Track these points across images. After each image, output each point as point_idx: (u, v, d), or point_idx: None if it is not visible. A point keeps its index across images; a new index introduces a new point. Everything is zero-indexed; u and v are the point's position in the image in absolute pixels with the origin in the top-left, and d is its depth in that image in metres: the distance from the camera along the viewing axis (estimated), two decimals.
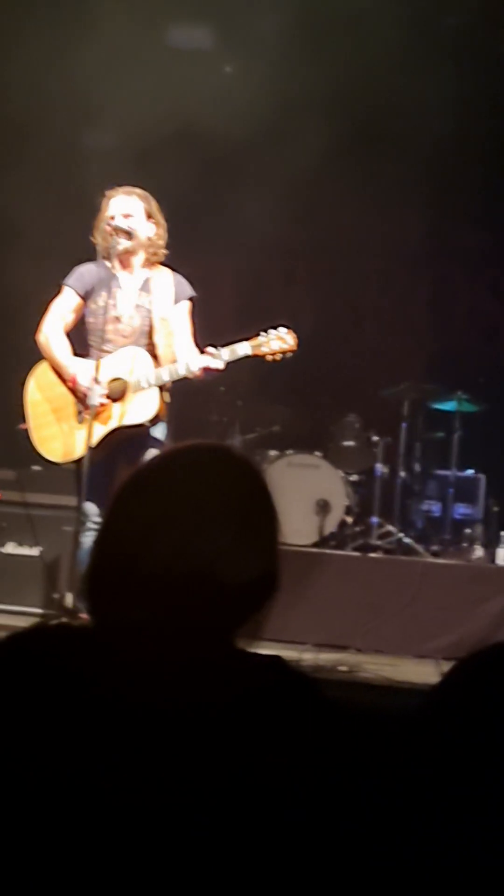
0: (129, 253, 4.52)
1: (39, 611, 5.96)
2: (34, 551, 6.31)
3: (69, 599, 4.52)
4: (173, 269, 4.61)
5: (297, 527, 6.11)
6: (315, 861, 1.22)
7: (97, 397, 4.36)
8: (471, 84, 6.55)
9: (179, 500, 1.34)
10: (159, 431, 4.53)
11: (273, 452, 6.61)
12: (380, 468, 6.57)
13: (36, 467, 6.63)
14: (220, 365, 4.30)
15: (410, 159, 6.83)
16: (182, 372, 4.36)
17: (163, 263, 4.62)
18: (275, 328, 4.38)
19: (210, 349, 4.34)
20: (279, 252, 7.46)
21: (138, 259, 4.56)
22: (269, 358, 4.35)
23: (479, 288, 7.61)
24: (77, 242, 4.69)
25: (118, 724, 1.23)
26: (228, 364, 4.37)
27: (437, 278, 7.73)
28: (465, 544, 6.32)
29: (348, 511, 6.32)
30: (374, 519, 6.36)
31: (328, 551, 6.06)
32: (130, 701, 1.25)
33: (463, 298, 7.68)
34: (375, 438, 6.64)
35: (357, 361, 7.33)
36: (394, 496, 6.60)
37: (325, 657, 4.45)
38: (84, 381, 4.42)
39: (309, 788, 1.24)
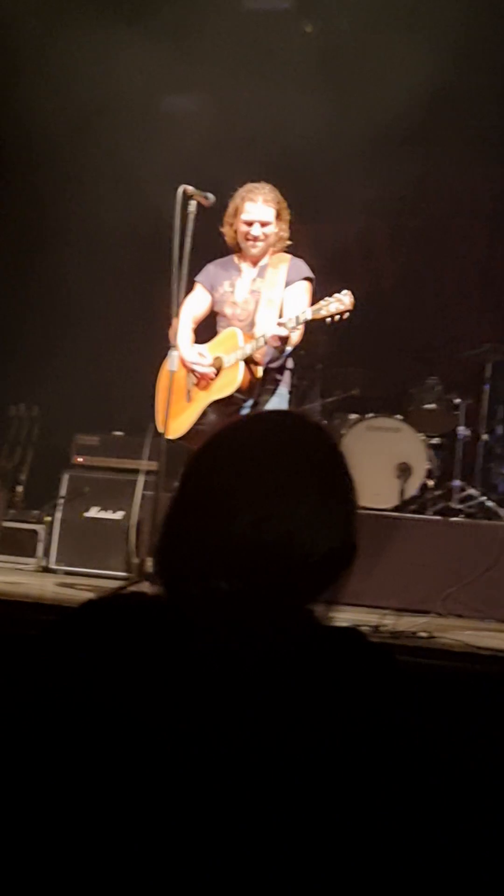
0: (259, 254, 4.81)
1: (122, 574, 6.05)
2: (116, 515, 6.40)
3: (149, 564, 4.56)
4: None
5: (378, 490, 6.07)
6: (392, 830, 1.22)
7: (201, 367, 4.74)
8: None
9: (254, 468, 1.33)
10: (270, 404, 4.72)
11: (353, 416, 6.57)
12: (462, 431, 6.48)
13: (118, 433, 6.73)
14: (285, 332, 4.46)
15: (489, 115, 6.66)
16: (261, 343, 4.57)
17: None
18: (338, 292, 4.50)
19: (282, 320, 4.52)
20: (357, 213, 7.37)
21: (264, 252, 4.82)
22: (329, 320, 4.48)
23: None
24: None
25: (192, 694, 1.24)
26: (306, 330, 4.60)
27: None
28: None
29: (429, 474, 6.26)
30: (456, 482, 6.28)
31: (408, 515, 6.02)
32: (204, 671, 1.25)
33: None
34: (457, 401, 6.55)
35: (438, 323, 7.21)
36: (475, 459, 6.51)
37: (405, 622, 4.43)
38: (188, 356, 4.76)
39: (385, 759, 1.23)
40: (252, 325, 4.73)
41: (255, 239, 4.74)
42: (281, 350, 4.63)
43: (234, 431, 1.43)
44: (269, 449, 1.36)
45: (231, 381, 4.66)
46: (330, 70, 6.45)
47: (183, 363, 4.79)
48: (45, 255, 7.04)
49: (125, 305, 6.82)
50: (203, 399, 4.81)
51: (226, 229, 4.83)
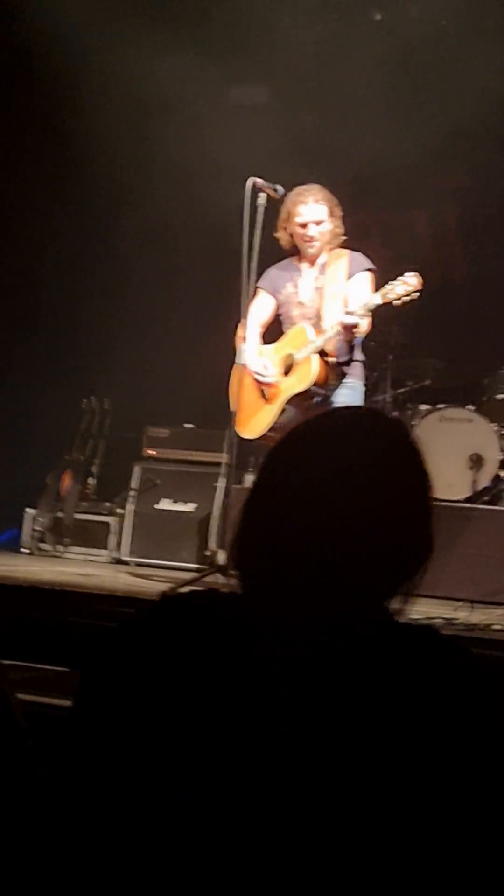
0: (317, 252, 4.86)
1: (193, 566, 6.08)
2: (188, 507, 6.43)
3: (221, 556, 4.58)
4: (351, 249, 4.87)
5: (450, 482, 6.01)
6: (472, 825, 1.20)
7: (257, 370, 4.85)
8: None
9: (331, 465, 1.33)
10: (343, 397, 4.75)
11: (425, 407, 6.51)
12: None
13: (188, 425, 6.76)
14: (354, 320, 4.49)
15: None
16: (330, 333, 4.61)
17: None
18: (403, 274, 4.51)
19: (349, 309, 4.54)
20: (428, 202, 7.30)
21: (321, 250, 4.87)
22: (397, 303, 4.48)
23: None
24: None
25: (268, 690, 1.24)
26: (377, 321, 4.64)
27: None
28: None
29: (502, 465, 6.18)
30: None
31: (481, 506, 5.94)
32: (280, 667, 1.25)
33: None
34: None
35: None
36: None
37: (479, 615, 4.38)
38: (252, 366, 4.86)
39: (463, 754, 1.22)
40: (320, 320, 4.78)
41: (312, 239, 4.79)
42: (350, 339, 4.65)
43: (309, 428, 1.42)
44: (345, 445, 1.35)
45: (306, 375, 4.72)
46: (400, 57, 6.39)
47: (247, 370, 4.88)
48: (116, 248, 7.09)
49: (195, 298, 6.84)
50: (280, 396, 4.87)
51: (280, 234, 4.90)
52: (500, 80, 6.16)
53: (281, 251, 4.96)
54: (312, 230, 4.78)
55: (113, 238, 7.07)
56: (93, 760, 1.28)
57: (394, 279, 4.50)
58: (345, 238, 4.87)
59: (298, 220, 4.80)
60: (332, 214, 4.81)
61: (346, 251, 4.86)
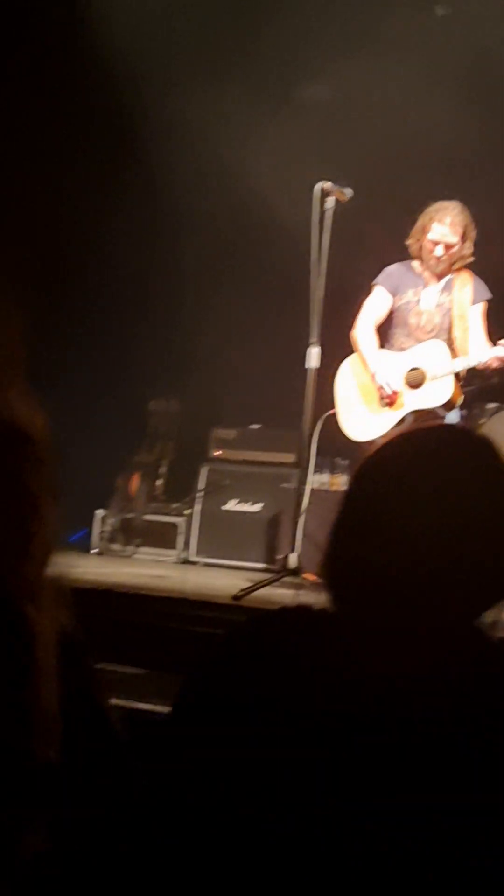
0: (443, 271, 4.92)
1: (262, 566, 6.10)
2: (255, 508, 6.46)
3: (293, 560, 4.59)
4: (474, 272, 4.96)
5: None
6: None
7: (392, 387, 4.88)
8: None
9: (424, 481, 1.34)
10: (454, 417, 4.94)
11: (491, 405, 6.44)
12: None
13: (254, 426, 6.78)
14: None
15: None
16: (474, 362, 4.74)
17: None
18: None
19: (501, 341, 4.67)
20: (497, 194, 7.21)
21: (447, 269, 4.94)
22: None
23: None
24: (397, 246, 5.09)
25: (363, 708, 1.25)
26: None
27: None
28: None
29: None
30: None
31: None
32: (374, 685, 1.26)
33: None
34: None
35: None
36: None
37: None
38: (380, 379, 4.91)
39: None
40: (448, 339, 4.87)
41: (439, 260, 4.85)
42: (493, 372, 4.79)
43: (402, 444, 1.43)
44: (438, 462, 1.36)
45: (441, 395, 4.82)
46: (462, 53, 6.32)
47: (373, 378, 4.95)
48: (184, 250, 7.12)
49: (264, 300, 6.85)
50: (403, 406, 4.93)
51: (411, 242, 4.95)
52: None
53: (347, 254, 4.95)
54: (440, 251, 4.83)
55: (181, 239, 7.10)
56: (193, 773, 1.30)
57: None
58: (472, 260, 4.91)
59: (430, 236, 4.85)
60: (464, 238, 4.84)
61: (470, 274, 4.92)
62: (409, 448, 1.41)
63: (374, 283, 5.01)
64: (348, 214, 4.87)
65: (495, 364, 4.68)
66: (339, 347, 5.20)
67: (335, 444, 5.35)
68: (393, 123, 6.20)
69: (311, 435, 4.89)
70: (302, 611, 1.41)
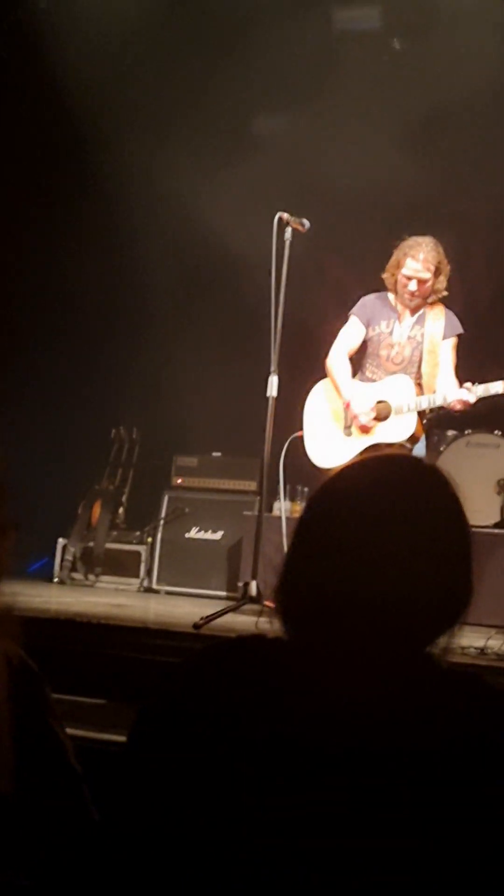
0: (414, 305, 4.98)
1: (223, 593, 6.11)
2: (216, 535, 6.47)
3: (254, 587, 4.60)
4: (447, 306, 5.03)
5: (478, 507, 6.01)
6: None
7: (364, 419, 4.93)
8: None
9: (375, 513, 1.35)
10: (420, 449, 5.00)
11: (451, 432, 6.52)
12: None
13: (216, 454, 6.80)
14: (472, 399, 4.70)
15: None
16: (439, 402, 4.80)
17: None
18: None
19: (467, 384, 4.74)
20: (452, 228, 7.32)
21: (421, 303, 5.00)
22: None
23: None
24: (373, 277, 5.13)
25: (314, 737, 1.26)
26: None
27: None
28: None
29: None
30: None
31: None
32: (326, 714, 1.28)
33: None
34: None
35: None
36: None
37: None
38: (356, 408, 4.96)
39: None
40: (415, 374, 4.93)
41: (413, 294, 4.90)
42: (459, 413, 4.83)
43: (353, 474, 1.45)
44: (389, 492, 1.38)
45: (406, 428, 4.87)
46: (419, 84, 6.44)
47: (347, 406, 5.00)
48: (145, 280, 7.16)
49: (224, 329, 6.90)
50: (367, 438, 4.97)
51: (386, 276, 4.99)
52: None
53: (303, 284, 5.00)
54: (413, 286, 4.88)
55: (144, 271, 7.13)
56: (151, 802, 1.31)
57: None
58: (445, 294, 4.97)
59: (404, 271, 4.89)
60: (437, 273, 4.90)
61: (443, 308, 4.99)
62: (363, 477, 1.43)
63: (350, 312, 5.08)
64: (307, 245, 4.93)
65: (458, 406, 4.75)
66: (298, 376, 5.25)
67: (298, 472, 5.38)
68: (348, 156, 6.29)
69: (270, 462, 4.88)
70: (257, 639, 1.42)
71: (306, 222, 4.88)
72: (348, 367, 5.07)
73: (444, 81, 6.23)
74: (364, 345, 5.08)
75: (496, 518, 6.03)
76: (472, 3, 6.26)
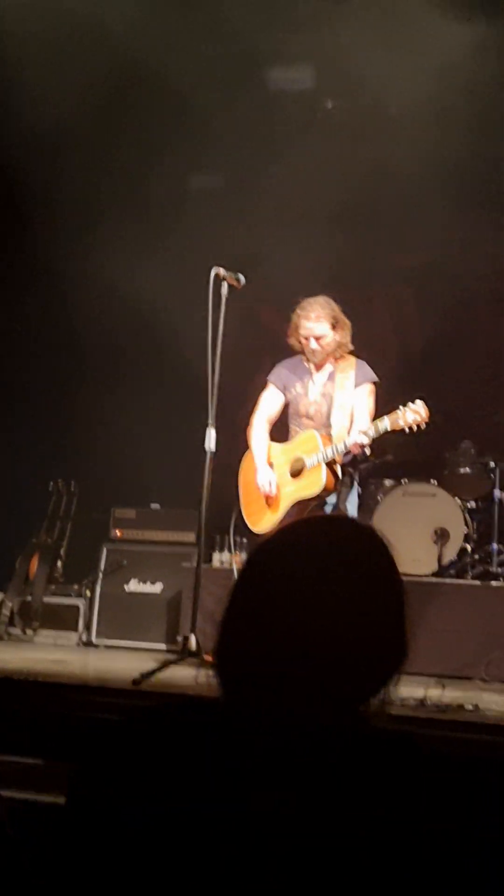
0: (323, 360, 5.16)
1: (163, 646, 6.06)
2: (156, 588, 6.44)
3: (193, 641, 4.59)
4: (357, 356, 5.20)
5: (416, 556, 6.08)
6: None
7: (267, 490, 5.12)
8: None
9: (310, 573, 1.37)
10: (350, 501, 5.10)
11: (388, 482, 6.59)
12: (497, 493, 6.48)
13: (155, 505, 6.79)
14: (365, 440, 4.87)
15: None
16: (341, 448, 4.94)
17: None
18: (412, 402, 4.86)
19: (362, 428, 4.91)
20: (386, 280, 7.46)
21: (328, 358, 5.18)
22: (407, 430, 4.84)
23: None
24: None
25: (248, 798, 1.27)
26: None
27: None
28: None
29: (467, 539, 6.25)
30: (494, 546, 6.28)
31: (448, 580, 6.00)
32: (259, 775, 1.29)
33: None
34: (492, 464, 6.55)
35: (470, 386, 7.24)
36: None
37: (451, 693, 4.41)
38: (261, 479, 5.15)
39: (437, 867, 1.25)
40: (327, 426, 5.08)
41: (314, 352, 5.08)
42: (362, 455, 5.03)
43: (288, 536, 1.47)
44: (323, 553, 1.40)
45: (316, 483, 4.99)
46: (352, 142, 6.59)
47: (255, 475, 5.16)
48: (82, 333, 7.17)
49: (162, 382, 6.93)
50: (287, 498, 5.09)
51: (292, 341, 5.17)
52: (448, 158, 6.38)
53: (238, 337, 5.09)
54: (313, 344, 5.07)
55: (81, 324, 7.15)
56: (90, 859, 1.31)
57: (403, 404, 4.84)
58: (351, 348, 5.14)
59: (302, 332, 5.09)
60: (335, 328, 5.09)
61: (353, 360, 5.16)
62: (297, 538, 1.45)
63: (267, 378, 5.27)
64: (243, 300, 5.00)
65: (356, 450, 4.93)
66: (236, 429, 5.29)
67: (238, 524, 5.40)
68: (284, 209, 6.40)
69: (208, 514, 4.93)
70: (192, 702, 1.43)
71: (242, 277, 4.97)
72: (265, 435, 5.26)
73: (375, 141, 6.39)
74: (285, 408, 5.28)
75: (434, 567, 6.10)
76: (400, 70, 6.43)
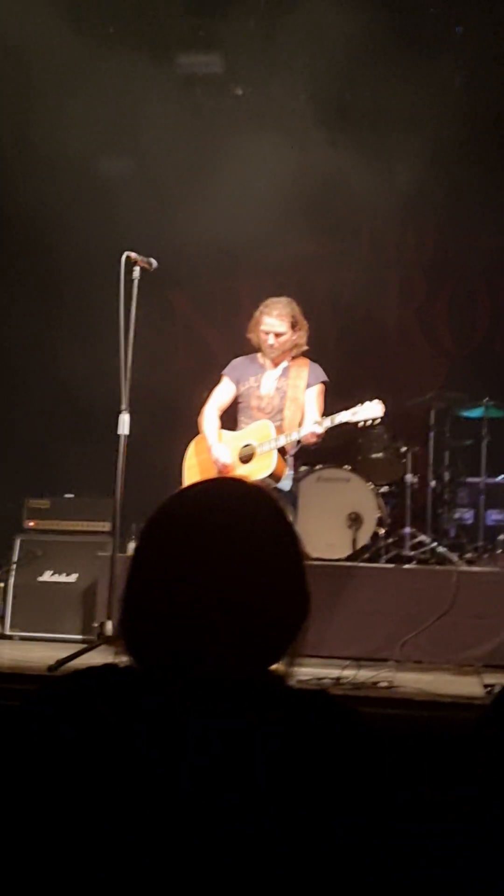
0: (278, 357, 5.41)
1: (79, 637, 6.01)
2: (71, 578, 6.38)
3: (109, 627, 4.56)
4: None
5: (330, 541, 6.12)
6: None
7: (224, 459, 5.30)
8: None
9: (204, 532, 1.37)
10: (285, 484, 5.30)
11: (303, 468, 6.62)
12: (410, 478, 6.58)
13: (69, 495, 6.72)
14: (320, 430, 5.11)
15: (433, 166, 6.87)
16: (294, 437, 5.20)
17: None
18: (370, 401, 5.12)
19: (317, 419, 5.20)
20: (297, 268, 7.50)
21: (283, 356, 5.43)
22: (361, 425, 5.15)
23: (500, 291, 7.60)
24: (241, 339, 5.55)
25: (165, 764, 1.26)
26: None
27: (456, 284, 7.74)
28: (499, 550, 6.29)
29: (380, 523, 6.32)
30: (407, 529, 6.36)
31: (362, 564, 6.06)
32: (174, 739, 1.28)
33: (484, 303, 7.68)
34: (404, 449, 6.63)
35: (382, 372, 7.32)
36: (425, 506, 6.60)
37: (366, 673, 4.46)
38: (215, 452, 5.35)
39: (355, 822, 1.26)
40: (280, 418, 5.31)
41: (272, 347, 5.34)
42: (315, 445, 5.27)
43: (180, 500, 1.45)
44: (216, 514, 1.39)
45: (265, 467, 5.20)
46: (261, 130, 6.61)
47: (209, 452, 5.35)
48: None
49: (73, 368, 6.86)
50: None
51: (251, 336, 5.43)
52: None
53: (138, 323, 5.08)
54: (272, 340, 5.31)
55: None
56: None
57: (361, 402, 5.10)
58: (306, 348, 5.39)
59: (263, 328, 5.34)
60: (293, 328, 5.34)
61: (307, 361, 5.41)
62: (190, 501, 1.44)
63: (222, 372, 5.50)
64: (155, 283, 4.98)
65: (312, 439, 5.16)
66: (147, 414, 5.28)
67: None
68: (198, 194, 6.39)
69: (123, 501, 4.90)
70: (104, 670, 1.41)
71: (154, 261, 4.96)
72: (216, 422, 5.44)
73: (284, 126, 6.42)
74: (237, 401, 5.47)
75: (348, 551, 6.15)
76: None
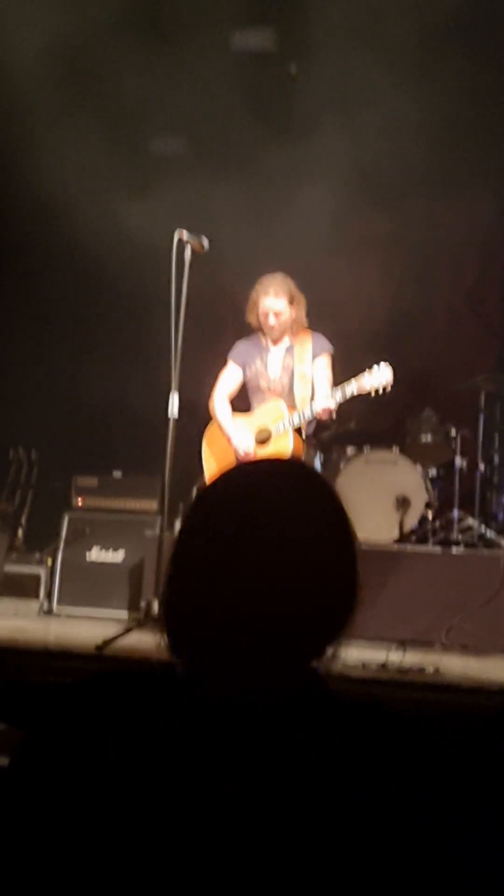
0: (280, 336, 5.35)
1: (125, 614, 6.06)
2: (118, 556, 6.42)
3: (156, 606, 4.58)
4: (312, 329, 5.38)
5: (378, 524, 6.10)
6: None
7: (245, 448, 5.26)
8: None
9: (253, 519, 1.31)
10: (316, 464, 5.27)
11: (350, 449, 6.60)
12: (459, 461, 6.52)
13: (117, 473, 6.75)
14: (332, 405, 5.06)
15: (483, 145, 6.77)
16: (308, 415, 5.14)
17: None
18: (377, 364, 5.07)
19: (330, 392, 5.12)
20: (349, 247, 7.44)
21: (285, 333, 5.37)
22: (373, 393, 5.07)
23: None
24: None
25: (204, 765, 1.23)
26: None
27: None
28: None
29: (428, 506, 6.29)
30: (455, 513, 6.32)
31: (409, 547, 6.04)
32: (215, 742, 1.24)
33: None
34: (453, 432, 6.59)
35: (432, 354, 7.25)
36: (474, 489, 6.54)
37: (411, 657, 4.45)
38: (236, 442, 5.30)
39: (395, 825, 1.23)
40: (290, 396, 5.27)
41: (272, 327, 5.29)
42: (329, 420, 5.24)
43: (224, 483, 1.39)
44: (266, 498, 1.33)
45: (283, 449, 5.16)
46: (316, 109, 6.55)
47: (229, 441, 5.30)
48: (43, 298, 7.10)
49: (124, 349, 6.88)
50: None
51: (251, 317, 5.38)
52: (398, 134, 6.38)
53: (201, 301, 5.09)
54: (272, 319, 5.27)
55: (41, 288, 7.08)
56: (32, 826, 1.27)
57: (369, 367, 5.04)
58: (306, 324, 5.31)
59: (261, 308, 5.29)
60: (291, 303, 5.28)
61: (309, 332, 5.35)
62: (234, 484, 1.38)
63: (227, 356, 5.44)
64: (208, 264, 4.97)
65: (325, 415, 5.13)
66: (200, 394, 5.28)
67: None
68: (250, 174, 6.37)
69: (171, 481, 4.91)
70: (146, 667, 1.38)
71: (206, 241, 4.94)
72: (227, 407, 5.41)
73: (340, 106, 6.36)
74: (246, 385, 5.43)
75: (396, 534, 6.13)
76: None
